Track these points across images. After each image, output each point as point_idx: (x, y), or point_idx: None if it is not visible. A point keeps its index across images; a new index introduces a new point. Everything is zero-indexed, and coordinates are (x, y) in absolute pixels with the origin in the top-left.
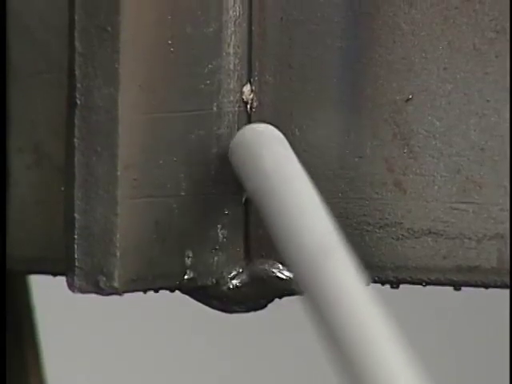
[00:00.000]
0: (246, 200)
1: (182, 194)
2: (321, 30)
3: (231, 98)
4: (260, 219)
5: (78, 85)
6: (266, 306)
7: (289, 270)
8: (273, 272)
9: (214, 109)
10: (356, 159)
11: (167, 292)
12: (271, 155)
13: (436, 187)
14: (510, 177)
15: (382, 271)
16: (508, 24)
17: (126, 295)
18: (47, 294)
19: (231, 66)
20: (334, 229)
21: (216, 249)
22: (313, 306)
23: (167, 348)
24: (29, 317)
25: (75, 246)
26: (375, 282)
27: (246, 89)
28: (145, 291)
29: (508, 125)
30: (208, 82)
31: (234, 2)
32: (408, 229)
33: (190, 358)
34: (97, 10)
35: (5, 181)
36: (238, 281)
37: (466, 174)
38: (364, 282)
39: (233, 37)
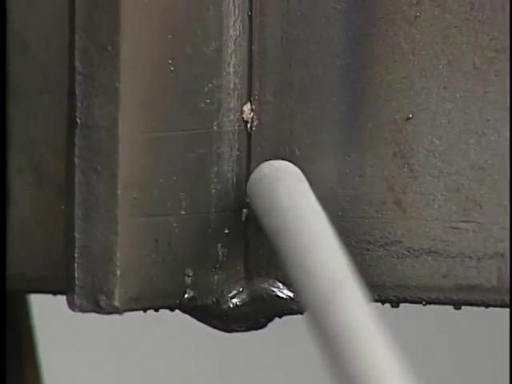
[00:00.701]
0: (246, 219)
1: (182, 212)
2: (321, 50)
3: (231, 117)
4: (260, 238)
5: (79, 104)
6: (266, 325)
7: (294, 295)
8: (273, 291)
9: (215, 128)
10: (356, 178)
11: (167, 311)
12: (287, 191)
13: (436, 206)
14: (510, 196)
15: (382, 290)
16: (508, 43)
17: (126, 314)
18: (47, 313)
19: (231, 85)
20: (347, 264)
21: (216, 267)
22: (323, 340)
23: (168, 368)
24: (29, 336)
25: (75, 265)
26: (375, 300)
27: (247, 108)
28: (145, 310)
29: (508, 144)
30: (208, 101)
31: (234, 21)
32: (408, 248)
33: (191, 379)
34: (97, 29)
35: (5, 200)
36: (239, 300)
37: (465, 192)
38: (374, 314)
39: (233, 56)
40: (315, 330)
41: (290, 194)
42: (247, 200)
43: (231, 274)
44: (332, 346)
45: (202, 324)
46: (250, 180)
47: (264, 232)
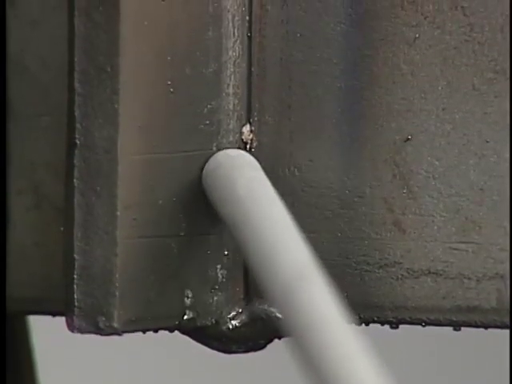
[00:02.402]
0: None
1: (182, 234)
2: (320, 71)
3: (231, 139)
4: None
5: (78, 125)
6: (265, 346)
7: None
8: (272, 312)
9: (214, 149)
10: (355, 199)
11: (166, 332)
12: (244, 179)
13: (435, 227)
14: (510, 217)
15: (381, 311)
16: (507, 64)
17: (126, 335)
18: (47, 334)
19: (231, 107)
20: (309, 254)
21: (215, 289)
22: (289, 330)
23: None
24: (28, 357)
25: (75, 287)
26: (374, 322)
27: (246, 129)
28: (144, 331)
29: (507, 165)
30: (207, 122)
31: (234, 43)
32: (407, 269)
33: None
34: (96, 51)
35: (5, 222)
36: (238, 321)
37: (465, 214)
38: (339, 305)
39: (232, 77)
40: (282, 322)
41: (246, 182)
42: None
43: (230, 295)
44: (298, 338)
45: (201, 345)
46: (205, 169)
47: (221, 221)
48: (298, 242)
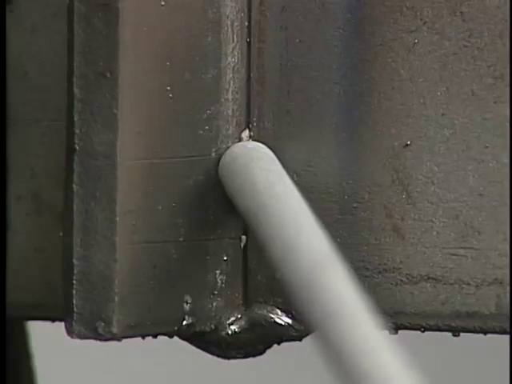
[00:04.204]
0: (245, 245)
1: (181, 239)
2: (319, 76)
3: (230, 144)
4: (259, 265)
5: (77, 130)
6: (264, 351)
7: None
8: (271, 317)
9: (213, 154)
10: (354, 204)
11: (166, 338)
12: (262, 171)
13: (435, 233)
14: (510, 223)
15: (380, 317)
16: (506, 70)
17: (125, 341)
18: (46, 340)
19: (230, 112)
20: (329, 245)
21: (214, 294)
22: (311, 321)
23: None
24: (28, 363)
25: (74, 292)
26: None
27: (245, 134)
28: (143, 337)
29: (507, 170)
30: (207, 127)
31: (233, 49)
32: (406, 274)
33: None
34: (96, 56)
35: (4, 228)
36: (237, 326)
37: (464, 219)
38: (359, 294)
39: (231, 83)
40: (302, 313)
41: (264, 174)
42: (245, 227)
43: (230, 301)
44: (320, 328)
45: (200, 350)
46: (222, 160)
47: (238, 212)
48: (317, 232)
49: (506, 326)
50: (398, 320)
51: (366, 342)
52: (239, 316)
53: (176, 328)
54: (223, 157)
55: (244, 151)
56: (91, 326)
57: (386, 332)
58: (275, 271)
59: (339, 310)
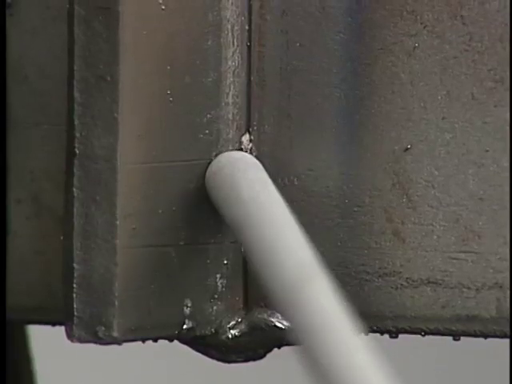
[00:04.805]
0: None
1: (181, 243)
2: (320, 80)
3: (230, 148)
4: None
5: (77, 134)
6: (264, 355)
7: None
8: (272, 321)
9: (213, 158)
10: (355, 208)
11: (166, 341)
12: (247, 181)
13: (435, 237)
14: (510, 226)
15: (380, 321)
16: (506, 74)
17: (125, 345)
18: (46, 343)
19: (230, 116)
20: (312, 255)
21: (215, 298)
22: (294, 332)
23: None
24: (28, 366)
25: (74, 296)
26: (374, 331)
27: (245, 138)
28: (143, 341)
29: (507, 174)
30: (207, 131)
31: (233, 52)
32: (407, 278)
33: None
34: (96, 59)
35: (5, 231)
36: (237, 330)
37: (464, 223)
38: (343, 306)
39: (232, 86)
40: (287, 322)
41: (250, 184)
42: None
43: (230, 305)
44: (303, 339)
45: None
46: (209, 171)
47: (221, 230)
48: (301, 243)
49: (507, 329)
50: (398, 324)
51: (350, 356)
52: (239, 320)
53: (176, 332)
54: (209, 167)
55: (230, 161)
56: (91, 329)
57: (368, 342)
58: (259, 281)
59: (321, 321)
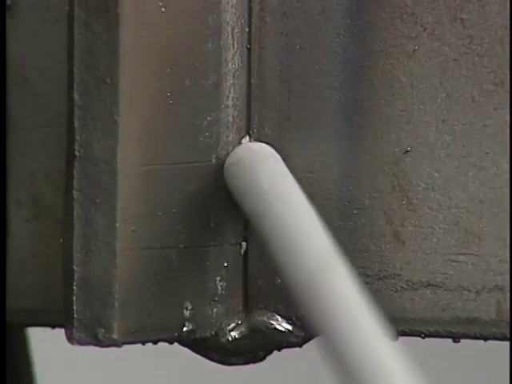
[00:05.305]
0: (245, 252)
1: (181, 245)
2: (320, 83)
3: (230, 150)
4: (259, 271)
5: (77, 137)
6: (264, 358)
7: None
8: (271, 324)
9: (213, 161)
10: (355, 211)
11: (166, 344)
12: (267, 173)
13: (435, 239)
14: (510, 229)
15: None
16: (506, 76)
17: (125, 347)
18: (46, 345)
19: (230, 119)
20: (332, 245)
21: (215, 300)
22: (313, 322)
23: None
24: (28, 369)
25: (74, 298)
26: None
27: (245, 141)
28: (143, 343)
29: (507, 177)
30: (207, 134)
31: (233, 55)
32: (407, 281)
33: None
34: (96, 62)
35: (5, 233)
36: (237, 333)
37: (464, 226)
38: (363, 294)
39: (232, 89)
40: (306, 312)
41: (269, 175)
42: (245, 233)
43: (230, 307)
44: (323, 328)
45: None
46: (227, 162)
47: (243, 213)
48: (320, 232)
49: (507, 332)
50: (398, 326)
51: (371, 345)
52: (239, 322)
53: (176, 334)
54: (228, 158)
55: (248, 152)
56: (91, 332)
57: (390, 334)
58: (278, 273)
59: (342, 310)
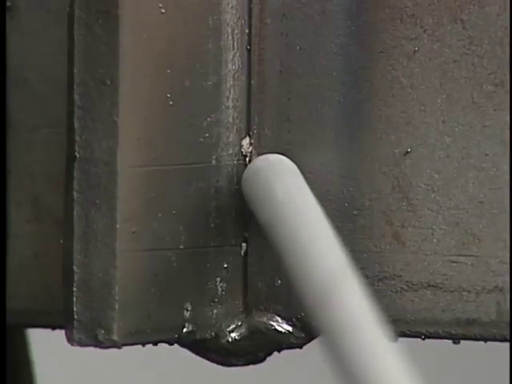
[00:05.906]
0: (245, 253)
1: (181, 247)
2: (319, 84)
3: (230, 151)
4: (259, 272)
5: (77, 138)
6: (264, 359)
7: (287, 323)
8: (272, 325)
9: (213, 162)
10: (355, 212)
11: (166, 345)
12: (283, 185)
13: (435, 240)
14: (510, 230)
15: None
16: (506, 77)
17: (125, 348)
18: (46, 347)
19: (230, 119)
20: (346, 258)
21: (215, 302)
22: (324, 334)
23: None
24: (28, 370)
25: (74, 299)
26: None
27: (245, 142)
28: (143, 344)
29: (507, 178)
30: (207, 135)
31: (233, 56)
32: (407, 282)
33: None
34: (96, 63)
35: (5, 234)
36: (237, 334)
37: (464, 227)
38: (373, 309)
39: (232, 90)
40: (317, 325)
41: (285, 187)
42: (246, 234)
43: (230, 308)
44: (334, 340)
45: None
46: (245, 173)
47: (259, 224)
48: (335, 246)
49: (507, 333)
50: (398, 327)
51: (379, 357)
52: (239, 323)
53: (176, 335)
54: (246, 170)
55: (266, 164)
56: (91, 333)
57: (398, 346)
58: (291, 285)
59: (352, 324)
